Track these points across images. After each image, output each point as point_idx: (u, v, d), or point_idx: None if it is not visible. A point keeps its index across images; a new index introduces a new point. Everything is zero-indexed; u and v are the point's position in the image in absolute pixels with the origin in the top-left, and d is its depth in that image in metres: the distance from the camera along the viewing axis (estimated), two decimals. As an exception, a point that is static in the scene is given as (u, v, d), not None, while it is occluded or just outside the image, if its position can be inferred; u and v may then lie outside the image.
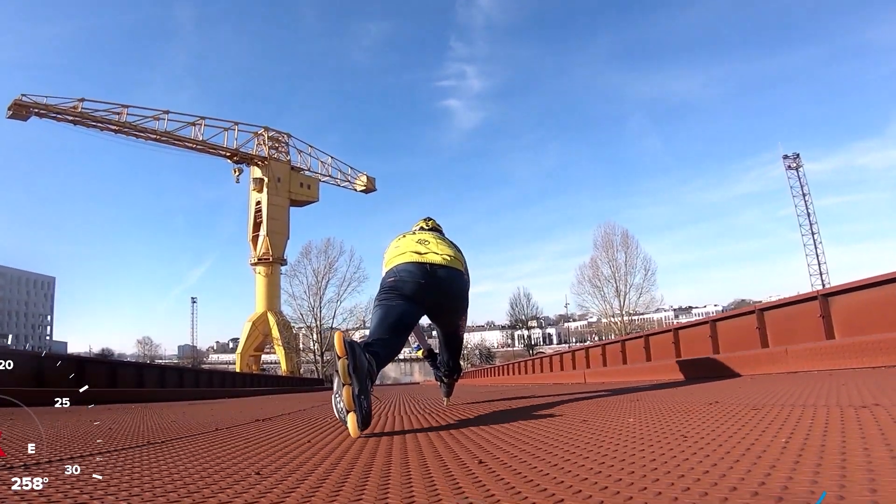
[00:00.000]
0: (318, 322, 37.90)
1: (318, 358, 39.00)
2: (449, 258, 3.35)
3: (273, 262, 46.83)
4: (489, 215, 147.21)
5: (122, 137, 47.16)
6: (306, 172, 55.21)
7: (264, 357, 55.00)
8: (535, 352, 58.39)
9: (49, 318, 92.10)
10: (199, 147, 49.54)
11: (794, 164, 63.34)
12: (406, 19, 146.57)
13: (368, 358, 2.51)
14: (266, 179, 51.48)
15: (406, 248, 3.36)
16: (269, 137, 53.39)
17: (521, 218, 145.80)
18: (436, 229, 3.96)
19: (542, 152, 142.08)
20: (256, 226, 50.77)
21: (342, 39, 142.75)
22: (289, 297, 40.75)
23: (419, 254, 3.28)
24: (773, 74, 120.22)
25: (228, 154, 51.20)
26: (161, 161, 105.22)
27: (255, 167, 52.53)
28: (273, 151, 53.57)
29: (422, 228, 3.92)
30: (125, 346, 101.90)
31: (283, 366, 44.49)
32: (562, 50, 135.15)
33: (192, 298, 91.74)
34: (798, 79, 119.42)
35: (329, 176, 57.05)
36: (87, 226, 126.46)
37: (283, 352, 42.57)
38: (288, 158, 54.20)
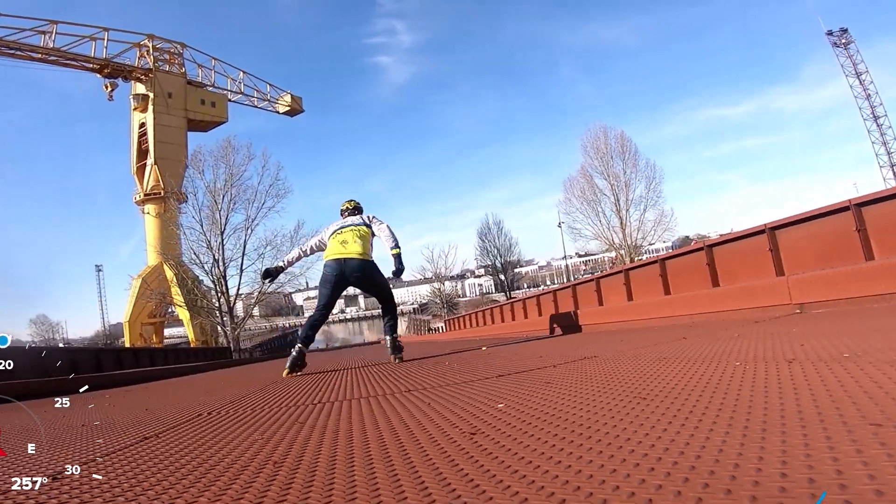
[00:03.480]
0: (219, 261, 26.05)
1: (224, 318, 27.34)
2: (359, 254, 5.26)
3: (166, 196, 34.35)
4: (428, 167, 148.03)
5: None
6: (210, 89, 42.95)
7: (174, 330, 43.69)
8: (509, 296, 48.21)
9: None
10: (50, 58, 36.49)
11: (843, 41, 53.45)
12: None
13: (300, 349, 5.05)
14: (152, 95, 39.03)
15: (332, 248, 5.34)
16: (154, 48, 40.62)
17: (459, 168, 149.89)
18: (357, 208, 5.82)
19: (476, 103, 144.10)
20: (143, 154, 38.51)
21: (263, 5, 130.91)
22: (174, 229, 28.61)
23: (340, 253, 5.26)
24: (694, 21, 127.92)
25: (96, 67, 38.35)
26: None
27: (137, 82, 39.92)
28: (162, 65, 41.01)
29: (346, 209, 5.80)
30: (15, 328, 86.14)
31: (190, 335, 33.26)
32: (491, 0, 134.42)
33: (97, 266, 74.44)
34: (718, 25, 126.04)
35: (241, 93, 44.85)
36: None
37: (186, 315, 31.12)
38: (183, 71, 41.70)
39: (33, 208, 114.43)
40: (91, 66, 38.16)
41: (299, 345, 4.98)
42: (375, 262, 5.43)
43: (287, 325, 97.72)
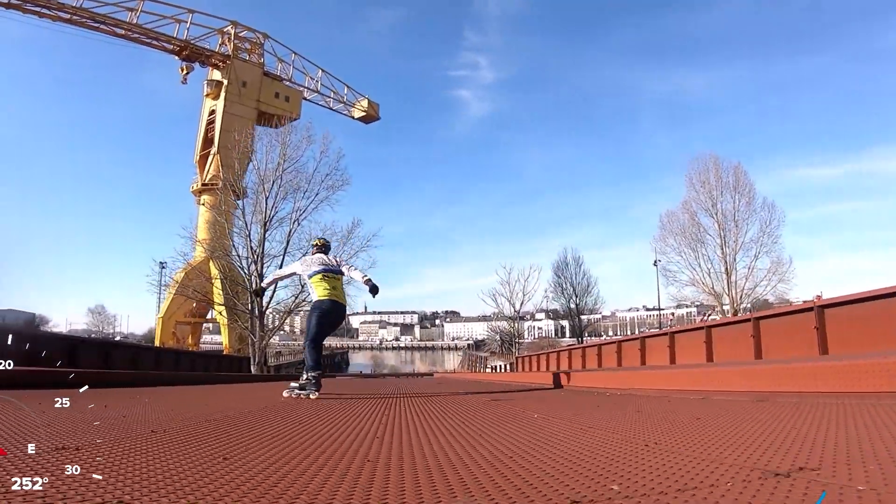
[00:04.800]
0: (258, 256, 22.06)
1: (254, 324, 22.42)
2: (343, 298, 6.49)
3: (223, 189, 31.03)
4: (495, 207, 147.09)
5: (16, 14, 32.83)
6: (286, 83, 40.68)
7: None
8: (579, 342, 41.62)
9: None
10: (131, 34, 35.04)
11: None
12: (420, 7, 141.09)
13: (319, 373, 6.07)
14: (226, 82, 36.97)
15: (323, 290, 6.22)
16: (236, 35, 38.87)
17: (527, 211, 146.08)
18: (326, 246, 6.77)
19: (550, 147, 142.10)
20: (208, 142, 36.30)
21: (354, 23, 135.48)
22: (226, 224, 24.77)
23: (332, 294, 6.24)
24: (786, 77, 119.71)
25: (176, 48, 36.73)
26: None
27: (214, 69, 38.09)
28: (241, 53, 39.16)
29: (316, 245, 6.73)
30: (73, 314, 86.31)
31: (225, 341, 29.87)
32: (576, 43, 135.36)
33: (161, 263, 74.08)
34: (811, 83, 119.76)
35: (318, 92, 42.41)
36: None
37: (224, 319, 27.61)
38: (261, 62, 39.67)
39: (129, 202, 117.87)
40: (171, 47, 36.59)
41: (316, 372, 5.98)
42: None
43: (338, 346, 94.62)
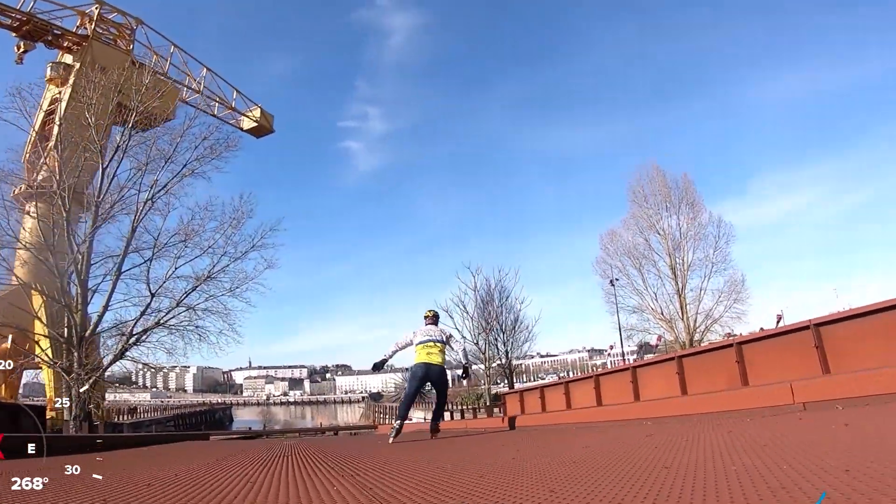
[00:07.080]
0: (81, 253, 14.87)
1: (71, 355, 15.10)
2: (439, 361, 7.17)
3: (58, 193, 22.44)
4: (391, 258, 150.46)
5: None
6: (161, 77, 33.83)
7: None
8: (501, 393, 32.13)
9: None
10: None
11: None
12: (310, 55, 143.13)
13: (401, 423, 7.04)
14: (77, 66, 29.61)
15: (420, 355, 7.12)
16: (100, 17, 31.90)
17: (425, 262, 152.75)
18: (436, 317, 7.64)
19: (442, 198, 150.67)
20: (47, 137, 28.44)
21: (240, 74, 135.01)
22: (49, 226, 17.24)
23: (427, 357, 7.10)
24: (651, 132, 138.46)
25: (14, 23, 29.09)
26: None
27: (65, 51, 30.72)
28: (107, 40, 32.19)
29: (428, 316, 7.53)
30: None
31: (48, 391, 21.86)
32: (464, 97, 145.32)
33: None
34: (674, 136, 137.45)
35: (199, 93, 35.79)
36: None
37: (42, 355, 19.54)
38: (130, 48, 32.77)
39: None
40: (7, 21, 28.87)
41: (400, 420, 7.10)
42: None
43: (218, 402, 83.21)
